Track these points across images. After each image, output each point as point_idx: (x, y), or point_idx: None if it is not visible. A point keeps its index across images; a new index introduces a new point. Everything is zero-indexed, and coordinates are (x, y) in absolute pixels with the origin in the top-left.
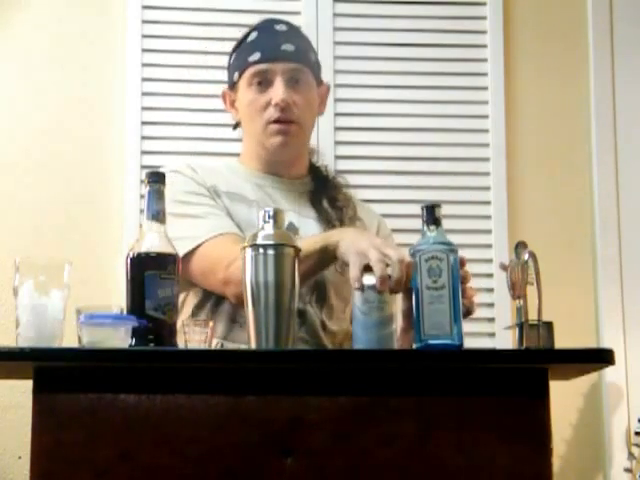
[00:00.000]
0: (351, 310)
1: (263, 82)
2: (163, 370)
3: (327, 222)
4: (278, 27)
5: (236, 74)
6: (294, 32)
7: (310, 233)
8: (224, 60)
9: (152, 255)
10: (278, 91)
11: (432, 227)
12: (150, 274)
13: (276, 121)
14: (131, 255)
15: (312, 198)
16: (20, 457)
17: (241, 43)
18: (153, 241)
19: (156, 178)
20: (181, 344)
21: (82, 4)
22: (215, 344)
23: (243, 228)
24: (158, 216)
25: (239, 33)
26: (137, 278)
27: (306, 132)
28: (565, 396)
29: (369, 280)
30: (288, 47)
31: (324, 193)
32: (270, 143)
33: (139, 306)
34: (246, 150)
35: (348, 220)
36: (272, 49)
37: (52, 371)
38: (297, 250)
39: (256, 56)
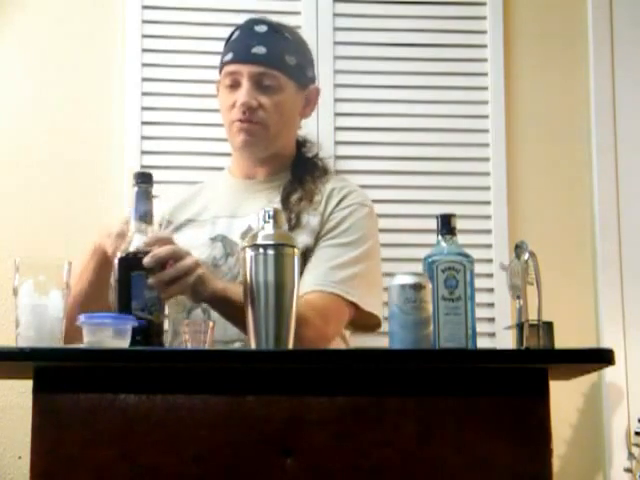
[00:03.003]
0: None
1: (233, 83)
2: (163, 370)
3: (287, 214)
4: (258, 28)
5: (218, 72)
6: (274, 33)
7: None
8: None
9: (139, 256)
10: (242, 93)
11: (448, 237)
12: (137, 274)
13: (239, 120)
14: (119, 256)
15: (282, 192)
16: (20, 457)
17: (227, 41)
18: (140, 242)
19: (143, 179)
20: (181, 344)
21: (82, 4)
22: None
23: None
24: (146, 217)
25: None
26: (124, 278)
27: (273, 134)
28: (565, 396)
29: (409, 279)
30: (259, 50)
31: (298, 185)
32: (236, 141)
33: (126, 306)
34: (232, 155)
35: (311, 209)
36: (243, 51)
37: (52, 371)
38: (297, 250)
39: (229, 56)
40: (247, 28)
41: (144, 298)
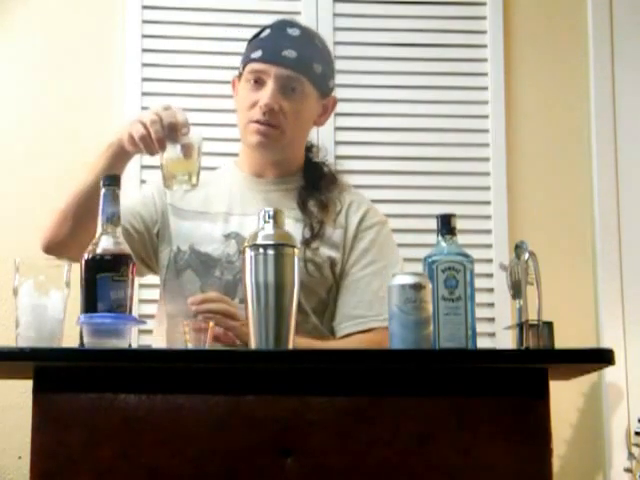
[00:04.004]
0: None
1: (258, 81)
2: (163, 370)
3: (308, 221)
4: (290, 30)
5: (241, 67)
6: (305, 39)
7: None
8: (224, 60)
9: (105, 257)
10: (266, 94)
11: (448, 237)
12: (102, 276)
13: (257, 121)
14: (85, 257)
15: (298, 197)
16: (20, 457)
17: (255, 37)
18: (107, 243)
19: (110, 181)
20: (181, 344)
21: (82, 4)
22: None
23: (195, 243)
24: (112, 218)
25: (239, 33)
26: (90, 280)
27: (289, 139)
28: (565, 396)
29: (409, 279)
30: (290, 53)
31: (313, 190)
32: (249, 141)
33: (91, 308)
34: (241, 150)
35: (331, 220)
36: (273, 51)
37: (52, 371)
38: (297, 250)
39: (257, 54)
40: (279, 29)
41: (110, 299)
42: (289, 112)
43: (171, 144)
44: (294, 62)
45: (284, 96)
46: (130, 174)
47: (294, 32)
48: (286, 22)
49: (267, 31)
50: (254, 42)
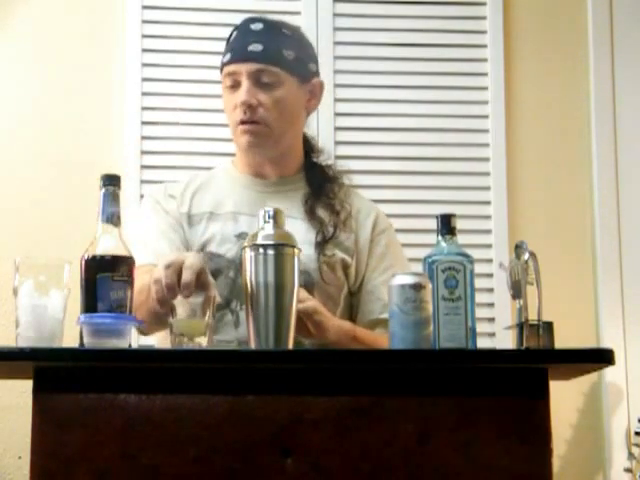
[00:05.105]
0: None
1: (234, 83)
2: (163, 370)
3: (319, 225)
4: (253, 26)
5: (220, 74)
6: (270, 30)
7: (298, 234)
8: None
9: (105, 257)
10: (242, 93)
11: (448, 237)
12: (102, 276)
13: (242, 122)
14: (85, 257)
15: (304, 199)
16: (20, 457)
17: (227, 43)
18: (107, 243)
19: (110, 181)
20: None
21: (82, 4)
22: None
23: (208, 244)
24: (112, 218)
25: None
26: (90, 280)
27: (278, 132)
28: (565, 396)
29: (409, 279)
30: (255, 47)
31: (319, 194)
32: (240, 143)
33: (91, 308)
34: (236, 151)
35: (342, 224)
36: (239, 50)
37: (52, 371)
38: (297, 250)
39: (227, 57)
40: (244, 27)
41: (109, 300)
42: (269, 104)
43: (183, 300)
44: (261, 55)
45: (260, 90)
46: (131, 174)
47: (257, 27)
48: (250, 19)
49: (234, 33)
50: (225, 47)
